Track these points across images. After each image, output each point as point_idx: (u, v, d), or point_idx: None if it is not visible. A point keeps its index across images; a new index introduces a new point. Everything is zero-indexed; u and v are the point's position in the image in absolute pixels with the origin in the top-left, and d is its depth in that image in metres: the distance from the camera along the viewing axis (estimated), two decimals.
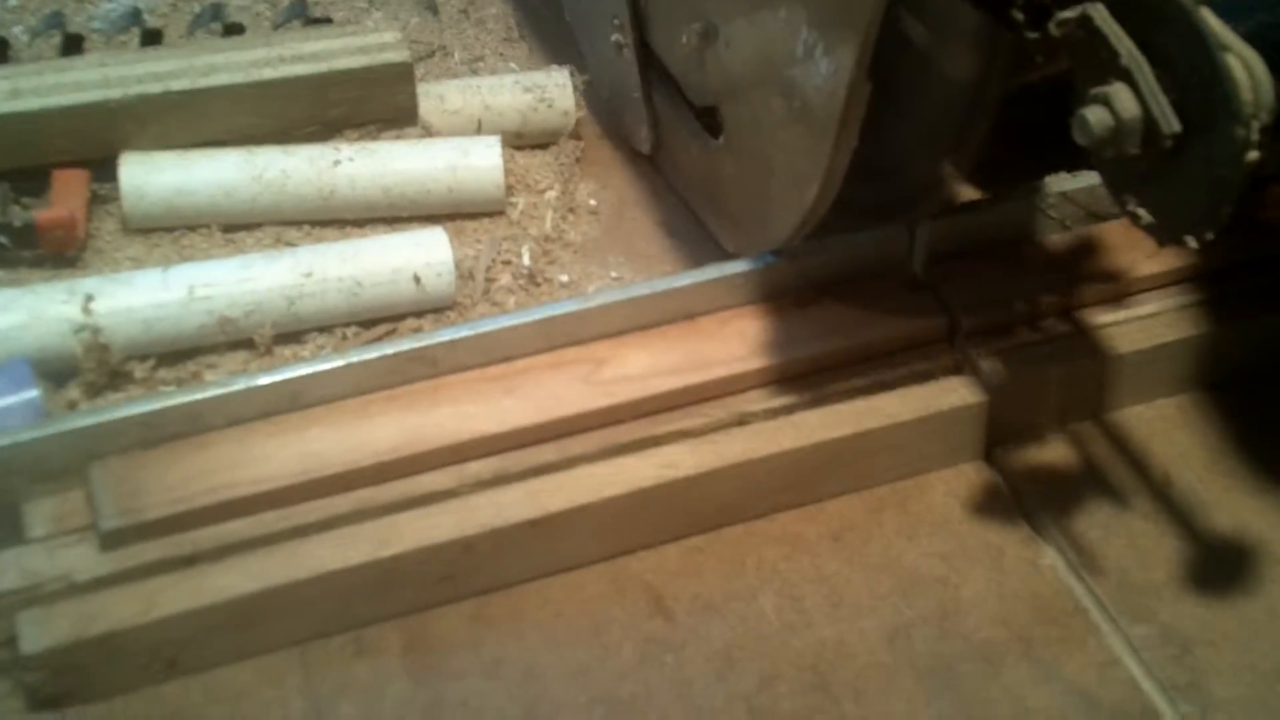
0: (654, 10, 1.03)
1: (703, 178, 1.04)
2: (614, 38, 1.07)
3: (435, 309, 1.00)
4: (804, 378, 0.89)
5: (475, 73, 1.21)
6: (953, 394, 0.89)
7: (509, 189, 1.08)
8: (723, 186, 1.01)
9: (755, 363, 0.89)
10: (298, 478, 0.82)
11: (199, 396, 0.83)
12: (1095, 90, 0.71)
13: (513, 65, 1.23)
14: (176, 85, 1.06)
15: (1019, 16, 0.75)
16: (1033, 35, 0.75)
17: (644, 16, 1.04)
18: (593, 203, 1.11)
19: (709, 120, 1.01)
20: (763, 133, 0.92)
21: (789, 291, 0.92)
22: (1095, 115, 0.70)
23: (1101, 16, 0.71)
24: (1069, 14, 0.72)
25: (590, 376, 0.88)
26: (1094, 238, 0.96)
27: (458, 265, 1.00)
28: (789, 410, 0.88)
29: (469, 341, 0.88)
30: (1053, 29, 0.72)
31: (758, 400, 0.88)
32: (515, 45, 1.26)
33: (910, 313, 0.91)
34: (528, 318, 0.89)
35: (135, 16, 1.18)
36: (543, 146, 1.14)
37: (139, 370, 0.94)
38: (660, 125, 1.09)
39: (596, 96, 1.16)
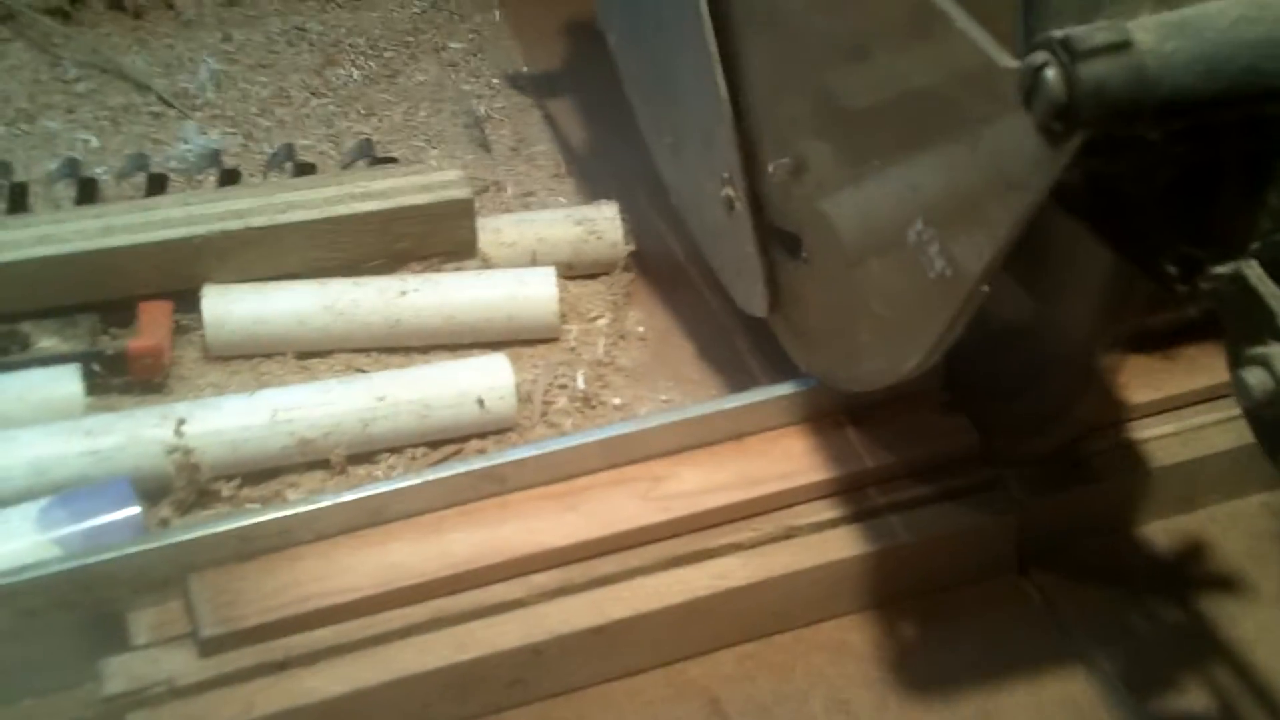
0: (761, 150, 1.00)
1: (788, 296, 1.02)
2: (724, 193, 1.02)
3: (497, 430, 1.07)
4: (847, 494, 0.96)
5: (527, 207, 1.29)
6: (986, 509, 0.95)
7: (562, 317, 1.16)
8: (802, 308, 1.00)
9: (801, 479, 0.96)
10: (380, 588, 0.89)
11: (289, 513, 0.90)
12: (1252, 351, 0.68)
13: (562, 199, 1.31)
14: (255, 222, 1.13)
15: (1170, 270, 0.73)
16: (1182, 289, 0.73)
17: (754, 163, 1.00)
18: (641, 330, 1.18)
19: (789, 241, 0.99)
20: (855, 279, 0.90)
21: (831, 412, 0.99)
22: (1255, 378, 0.67)
23: (1257, 275, 0.68)
24: (1222, 270, 0.69)
25: (648, 493, 0.95)
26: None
27: (517, 389, 1.07)
28: (834, 524, 0.95)
29: (535, 461, 0.95)
30: (1203, 285, 0.71)
31: (804, 515, 0.95)
32: (563, 180, 1.34)
33: (944, 433, 0.98)
34: (589, 438, 0.96)
35: (214, 158, 1.26)
36: (593, 277, 1.22)
37: (226, 489, 1.01)
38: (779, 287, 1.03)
39: (707, 265, 1.13)
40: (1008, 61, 0.69)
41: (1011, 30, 0.71)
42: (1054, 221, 0.78)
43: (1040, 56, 0.66)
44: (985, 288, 0.76)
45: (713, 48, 0.97)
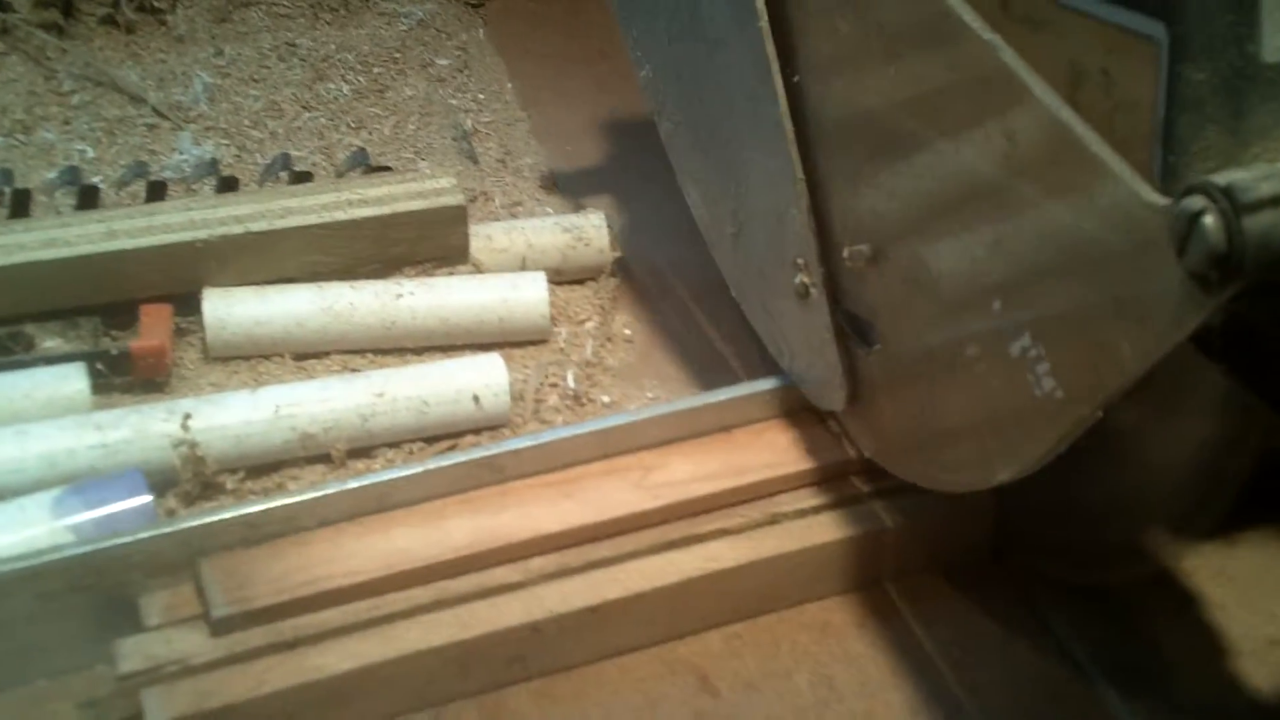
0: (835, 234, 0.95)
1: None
2: (797, 280, 0.97)
3: (491, 426, 1.11)
4: (830, 482, 1.00)
5: (515, 216, 1.33)
6: (964, 497, 0.99)
7: (553, 319, 1.20)
8: (874, 397, 0.95)
9: (786, 469, 1.00)
10: (384, 571, 0.92)
11: (296, 499, 0.94)
12: None
13: (548, 209, 1.35)
14: (255, 227, 1.17)
15: None
16: None
17: (829, 248, 0.95)
18: (628, 332, 1.22)
19: (861, 326, 0.94)
20: (943, 382, 0.86)
21: (812, 406, 1.03)
22: None
23: None
24: None
25: (640, 482, 0.99)
26: None
27: (510, 387, 1.11)
28: (817, 510, 0.99)
29: (532, 451, 0.99)
30: None
31: (789, 502, 0.99)
32: (550, 191, 1.38)
33: None
34: (584, 429, 1.00)
35: (210, 167, 1.30)
36: (581, 282, 1.26)
37: (230, 482, 1.04)
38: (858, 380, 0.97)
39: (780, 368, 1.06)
40: (1155, 199, 0.66)
41: (1146, 157, 0.68)
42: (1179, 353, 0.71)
43: (1197, 202, 0.63)
44: (1100, 413, 0.73)
45: (789, 132, 0.93)
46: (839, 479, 1.00)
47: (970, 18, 0.75)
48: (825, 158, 0.92)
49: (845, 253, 0.90)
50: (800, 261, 0.96)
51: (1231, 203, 0.62)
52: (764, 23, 0.92)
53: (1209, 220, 0.62)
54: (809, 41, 0.90)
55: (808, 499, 0.99)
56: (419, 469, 0.97)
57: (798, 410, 1.03)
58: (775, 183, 0.96)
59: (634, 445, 1.01)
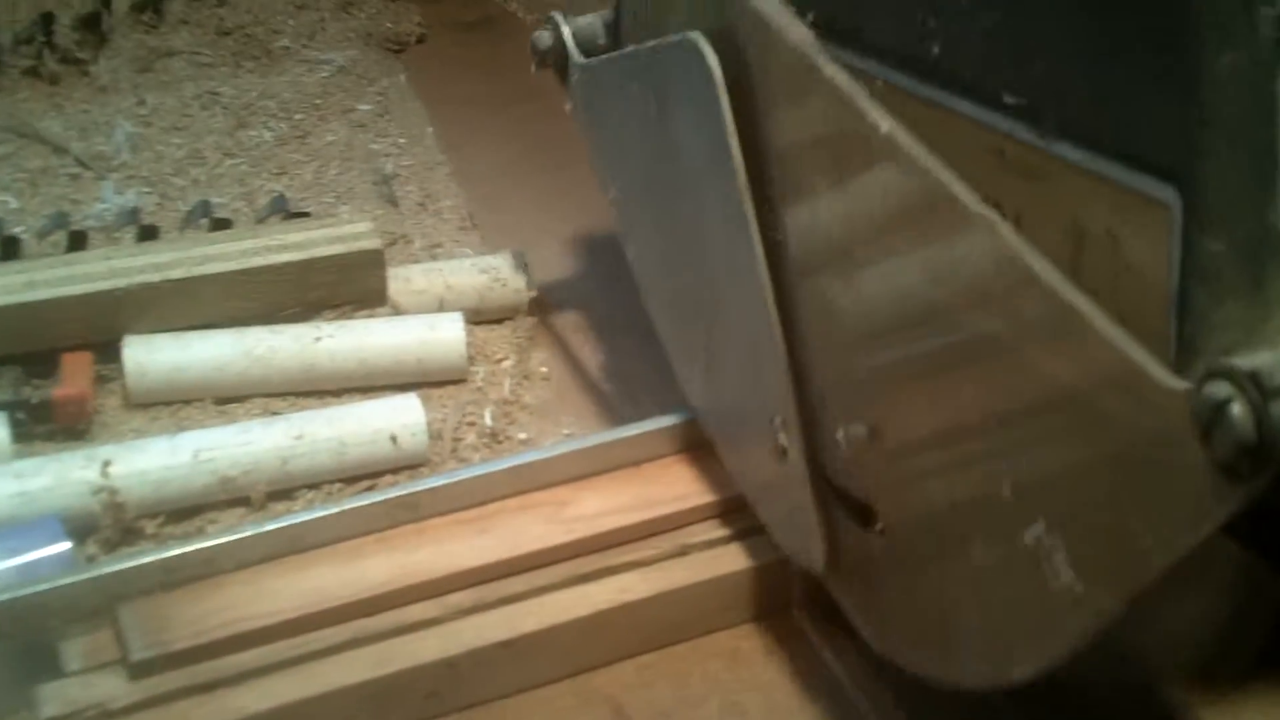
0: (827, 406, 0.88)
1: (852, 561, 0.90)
2: (776, 440, 0.91)
3: (410, 465, 1.13)
4: (735, 513, 1.02)
5: (434, 258, 1.36)
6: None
7: (470, 359, 1.22)
8: (872, 579, 0.88)
9: (694, 501, 1.02)
10: (302, 611, 0.94)
11: (213, 543, 0.95)
12: None
13: (467, 250, 1.37)
14: (174, 274, 1.19)
15: None
16: None
17: (812, 412, 0.88)
18: (544, 370, 1.24)
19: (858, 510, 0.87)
20: (951, 571, 0.79)
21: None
22: None
23: None
24: None
25: (553, 516, 1.01)
26: None
27: (429, 427, 1.13)
28: (724, 541, 1.01)
29: (447, 489, 1.01)
30: None
31: (698, 533, 1.01)
32: (469, 233, 1.40)
33: None
34: (498, 466, 1.02)
35: (132, 215, 1.32)
36: (499, 321, 1.28)
37: (150, 527, 1.06)
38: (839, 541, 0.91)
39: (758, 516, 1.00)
40: (1174, 383, 0.61)
41: (1159, 326, 0.65)
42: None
43: (1222, 389, 0.58)
44: (1125, 608, 0.66)
45: (769, 296, 0.87)
46: (745, 510, 1.02)
47: (962, 192, 0.70)
48: (810, 323, 0.86)
49: (839, 434, 0.84)
50: (778, 421, 0.90)
51: (1259, 389, 0.57)
52: (741, 181, 0.87)
53: (1236, 409, 0.58)
54: (792, 203, 0.85)
55: (716, 530, 1.02)
56: (335, 509, 0.98)
57: (704, 444, 1.05)
58: (753, 337, 0.91)
59: (548, 481, 1.03)
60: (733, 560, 1.00)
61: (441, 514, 1.01)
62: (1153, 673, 0.84)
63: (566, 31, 1.14)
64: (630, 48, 1.04)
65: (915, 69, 0.80)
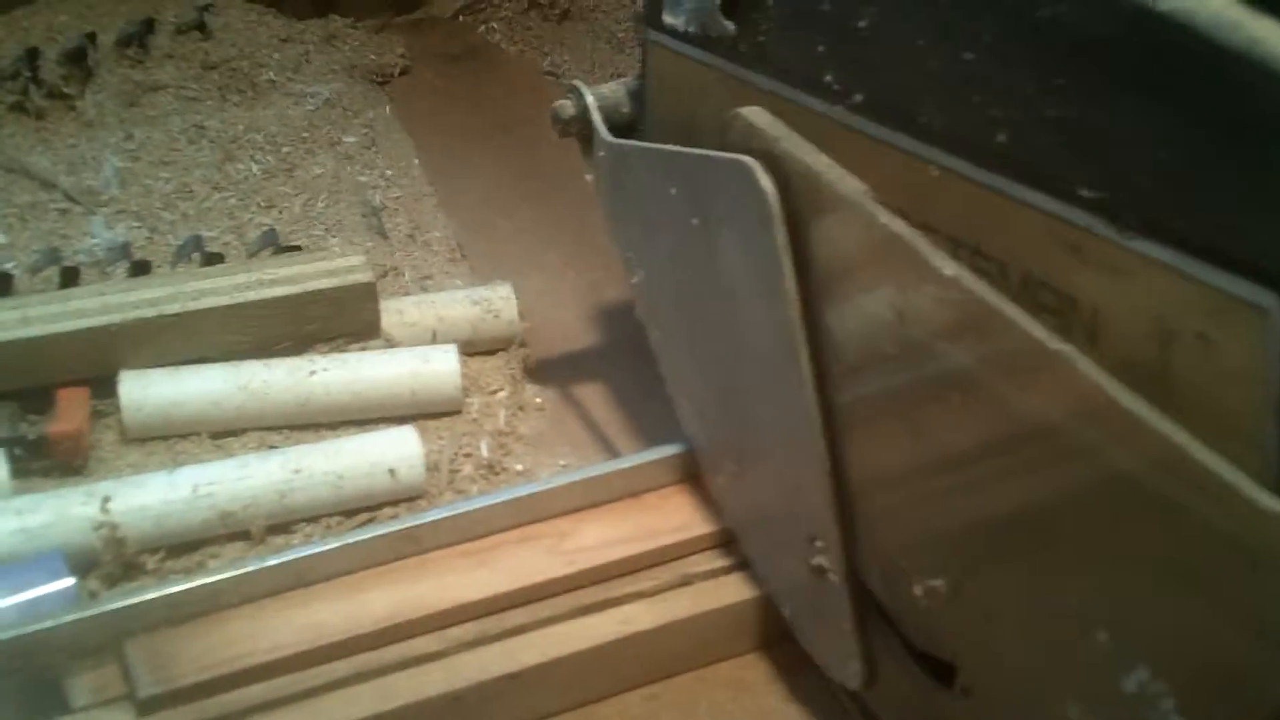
0: (866, 534, 0.85)
1: None
2: (814, 561, 0.89)
3: (408, 498, 1.13)
4: (737, 543, 1.03)
5: (425, 289, 1.36)
6: None
7: (465, 391, 1.22)
8: None
9: (695, 531, 1.03)
10: (306, 645, 0.94)
11: (217, 579, 0.96)
12: None
13: (458, 281, 1.38)
14: (169, 309, 1.19)
15: None
16: None
17: (857, 539, 0.86)
18: (539, 401, 1.25)
19: (932, 664, 0.83)
20: None
21: None
22: None
23: None
24: None
25: (554, 548, 1.01)
26: None
27: (425, 458, 1.14)
28: (726, 571, 1.02)
29: (448, 522, 1.01)
30: None
31: (699, 563, 1.02)
32: (458, 264, 1.41)
33: None
34: (498, 499, 1.02)
35: (123, 250, 1.32)
36: (491, 353, 1.29)
37: (150, 562, 1.06)
38: (878, 659, 0.88)
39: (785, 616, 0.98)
40: (1274, 506, 0.58)
41: (1259, 436, 0.62)
42: None
43: None
44: None
45: (817, 427, 0.84)
46: None
47: (1037, 329, 0.67)
48: (862, 460, 0.83)
49: (918, 589, 0.79)
50: (818, 543, 0.88)
51: None
52: (795, 314, 0.83)
53: None
54: (846, 338, 0.81)
55: (717, 559, 1.02)
56: (337, 544, 0.99)
57: (702, 474, 1.06)
58: (794, 459, 0.88)
59: (548, 513, 1.03)
60: (736, 590, 1.00)
61: (442, 547, 1.01)
62: None
63: (591, 102, 1.09)
64: (671, 148, 0.96)
65: (978, 156, 0.77)
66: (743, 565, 1.02)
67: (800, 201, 0.82)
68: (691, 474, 1.06)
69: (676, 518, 1.04)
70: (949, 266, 0.72)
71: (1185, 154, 0.66)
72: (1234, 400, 0.64)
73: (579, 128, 1.11)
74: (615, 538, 1.02)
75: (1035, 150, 0.74)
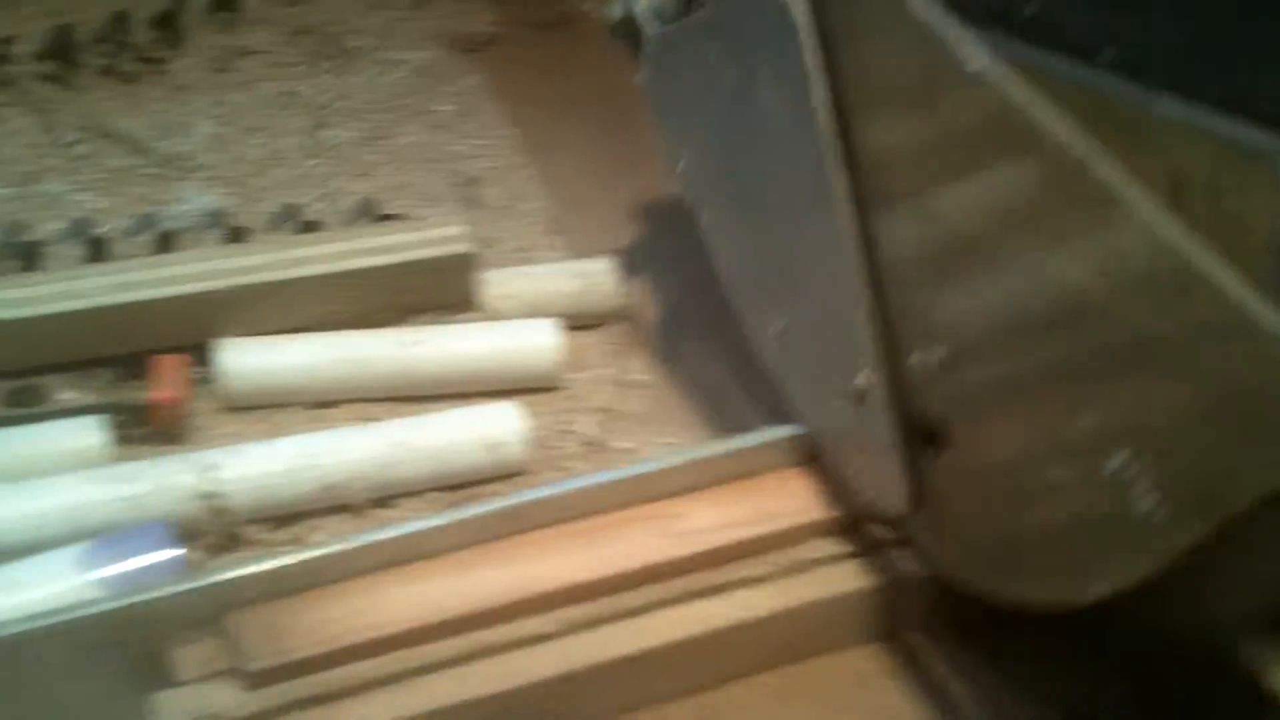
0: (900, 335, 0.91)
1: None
2: (855, 384, 0.93)
3: (509, 474, 1.11)
4: (853, 529, 1.00)
5: (523, 261, 1.33)
6: None
7: (566, 366, 1.20)
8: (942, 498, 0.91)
9: (812, 515, 1.00)
10: (417, 622, 0.92)
11: (325, 552, 0.94)
12: None
13: (555, 254, 1.35)
14: (268, 277, 1.17)
15: None
16: None
17: (892, 351, 0.91)
18: (641, 378, 1.22)
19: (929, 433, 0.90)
20: (1023, 492, 0.83)
21: None
22: None
23: None
24: None
25: (667, 529, 0.99)
26: None
27: (527, 435, 1.11)
28: (845, 558, 0.99)
29: (558, 499, 0.98)
30: None
31: (817, 549, 0.99)
32: (555, 237, 1.38)
33: None
34: (609, 477, 1.00)
35: (217, 217, 1.30)
36: (592, 327, 1.26)
37: (254, 533, 1.04)
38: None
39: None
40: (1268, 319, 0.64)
41: (1263, 274, 0.66)
42: None
43: None
44: (1210, 537, 0.68)
45: (853, 239, 0.91)
46: (862, 526, 1.00)
47: (1059, 128, 0.72)
48: (893, 260, 0.89)
49: (914, 358, 0.86)
50: (858, 363, 0.93)
51: None
52: (824, 126, 0.90)
53: None
54: (876, 143, 0.88)
55: (835, 546, 0.99)
56: (446, 519, 0.96)
57: (819, 456, 1.03)
58: (833, 286, 0.93)
59: (658, 493, 1.01)
60: (854, 578, 0.98)
61: (552, 525, 0.99)
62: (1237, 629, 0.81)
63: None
64: (707, 9, 1.03)
65: (1007, 27, 0.82)
66: (860, 553, 0.99)
67: (832, 20, 0.88)
68: (808, 457, 1.03)
69: (793, 501, 1.01)
70: (977, 60, 0.76)
71: (1208, 8, 0.72)
72: (1238, 243, 0.68)
73: (626, 29, 1.13)
74: (730, 520, 1.00)
75: (1064, 16, 0.79)
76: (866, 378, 0.92)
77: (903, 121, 0.85)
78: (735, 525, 0.99)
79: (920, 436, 0.89)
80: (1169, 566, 0.71)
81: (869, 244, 0.90)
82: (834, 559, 0.99)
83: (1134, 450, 0.71)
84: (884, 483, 0.94)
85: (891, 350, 0.90)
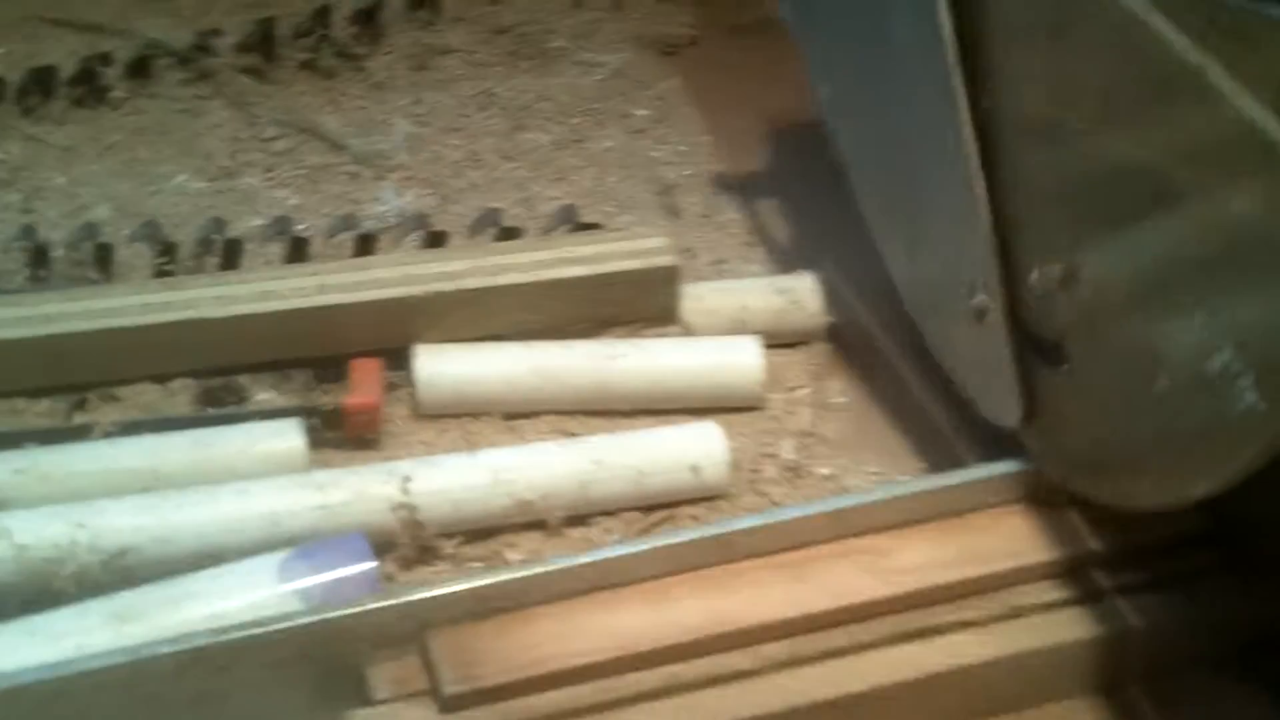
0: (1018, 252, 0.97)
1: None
2: (974, 301, 0.99)
3: (708, 497, 1.08)
4: (1072, 574, 0.96)
5: (720, 274, 1.30)
6: (1215, 596, 0.95)
7: (766, 385, 1.16)
8: (1061, 418, 0.96)
9: (1027, 558, 0.96)
10: (613, 652, 0.89)
11: (523, 574, 0.91)
12: None
13: (755, 267, 1.32)
14: (468, 284, 1.15)
15: None
16: None
17: (1010, 268, 0.98)
18: (843, 400, 1.18)
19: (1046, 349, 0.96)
20: (1136, 401, 0.87)
21: (1057, 491, 0.98)
22: None
23: None
24: None
25: (874, 566, 0.95)
26: None
27: (728, 457, 1.08)
28: (1060, 605, 0.94)
29: (762, 530, 0.95)
30: None
31: (1030, 594, 0.95)
32: (754, 248, 1.35)
33: (1172, 515, 0.97)
34: (816, 509, 0.97)
35: (417, 220, 1.28)
36: (792, 345, 1.22)
37: (447, 547, 1.02)
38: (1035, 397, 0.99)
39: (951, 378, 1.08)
40: None
41: None
42: None
43: None
44: None
45: (974, 161, 0.96)
46: (1081, 571, 0.96)
47: (1179, 41, 0.77)
48: (1012, 179, 0.95)
49: (1034, 274, 0.92)
50: (978, 284, 0.99)
51: None
52: (950, 51, 0.96)
53: None
54: (998, 66, 0.94)
55: (1050, 592, 0.95)
56: (646, 546, 0.94)
57: (1038, 495, 0.99)
58: (956, 205, 0.99)
59: (867, 527, 0.97)
60: (1069, 627, 0.93)
61: (754, 556, 0.96)
62: None
63: None
64: None
65: None
66: (1077, 601, 0.95)
67: None
68: (1023, 495, 0.99)
69: (1008, 542, 0.97)
70: None
71: None
72: None
73: None
74: (940, 560, 0.96)
75: None
76: (985, 296, 0.98)
77: (1031, 46, 0.91)
78: (946, 565, 0.95)
79: (1037, 353, 0.95)
80: (1267, 461, 0.76)
81: (991, 168, 0.96)
82: (1051, 606, 0.94)
83: (1238, 346, 0.76)
84: (1000, 396, 1.00)
85: (1009, 270, 0.96)
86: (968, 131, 0.96)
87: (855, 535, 0.97)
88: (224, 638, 0.86)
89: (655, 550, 0.94)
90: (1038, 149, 0.92)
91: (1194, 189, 0.79)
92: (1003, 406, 1.00)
